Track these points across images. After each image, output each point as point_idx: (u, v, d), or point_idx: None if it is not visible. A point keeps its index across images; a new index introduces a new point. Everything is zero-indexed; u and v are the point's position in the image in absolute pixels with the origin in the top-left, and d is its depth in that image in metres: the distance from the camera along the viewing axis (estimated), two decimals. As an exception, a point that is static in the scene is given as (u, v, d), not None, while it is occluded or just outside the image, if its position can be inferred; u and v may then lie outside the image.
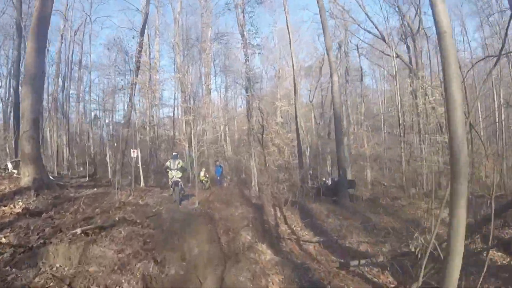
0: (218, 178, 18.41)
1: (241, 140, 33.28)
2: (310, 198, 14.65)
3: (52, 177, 14.26)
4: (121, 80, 24.03)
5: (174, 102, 34.01)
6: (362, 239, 11.18)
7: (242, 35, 18.56)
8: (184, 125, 29.65)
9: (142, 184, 16.81)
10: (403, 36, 24.93)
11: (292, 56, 20.59)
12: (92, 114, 30.74)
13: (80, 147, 27.52)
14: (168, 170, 11.48)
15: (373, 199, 17.88)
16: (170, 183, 11.41)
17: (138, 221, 8.90)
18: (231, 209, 11.16)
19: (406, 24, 24.35)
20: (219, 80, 37.15)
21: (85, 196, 10.91)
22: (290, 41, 20.07)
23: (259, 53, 21.45)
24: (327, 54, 16.82)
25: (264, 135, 17.56)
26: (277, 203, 12.80)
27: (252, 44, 18.45)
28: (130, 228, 8.23)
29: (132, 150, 13.22)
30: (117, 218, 8.91)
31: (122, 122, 20.58)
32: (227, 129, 37.84)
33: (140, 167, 16.77)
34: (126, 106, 22.41)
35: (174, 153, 12.56)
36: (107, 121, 30.29)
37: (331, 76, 16.36)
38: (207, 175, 17.60)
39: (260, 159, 17.84)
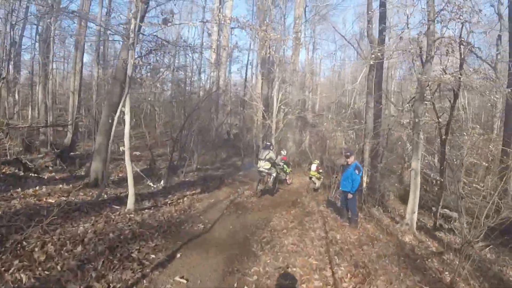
0: (351, 194, 7.31)
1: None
2: None
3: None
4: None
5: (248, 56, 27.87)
6: None
7: None
8: (260, 83, 20.76)
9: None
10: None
11: None
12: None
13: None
14: (259, 160, 9.72)
15: None
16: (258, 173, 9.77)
17: None
18: None
19: None
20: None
21: None
22: None
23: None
24: None
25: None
26: None
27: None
28: None
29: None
30: None
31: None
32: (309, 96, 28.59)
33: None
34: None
35: (267, 143, 10.37)
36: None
37: None
38: (321, 170, 12.79)
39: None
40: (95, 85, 16.35)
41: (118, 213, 5.76)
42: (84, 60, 16.28)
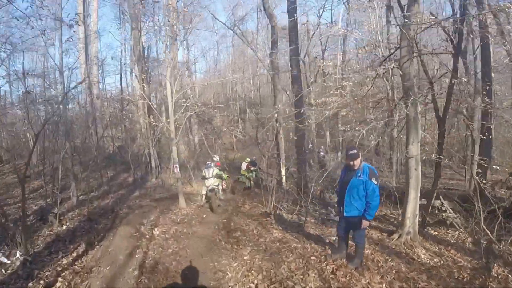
0: (367, 221, 4.39)
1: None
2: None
3: None
4: None
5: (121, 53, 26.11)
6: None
7: None
8: (138, 87, 17.56)
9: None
10: None
11: None
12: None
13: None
14: (205, 179, 9.81)
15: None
16: (206, 191, 9.82)
17: None
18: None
19: None
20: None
21: None
22: None
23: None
24: None
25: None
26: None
27: None
28: None
29: None
30: None
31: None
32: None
33: None
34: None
35: (207, 163, 10.32)
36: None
37: None
38: (252, 168, 11.61)
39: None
40: None
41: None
42: None
